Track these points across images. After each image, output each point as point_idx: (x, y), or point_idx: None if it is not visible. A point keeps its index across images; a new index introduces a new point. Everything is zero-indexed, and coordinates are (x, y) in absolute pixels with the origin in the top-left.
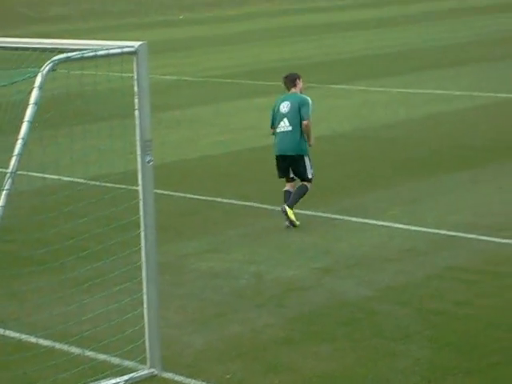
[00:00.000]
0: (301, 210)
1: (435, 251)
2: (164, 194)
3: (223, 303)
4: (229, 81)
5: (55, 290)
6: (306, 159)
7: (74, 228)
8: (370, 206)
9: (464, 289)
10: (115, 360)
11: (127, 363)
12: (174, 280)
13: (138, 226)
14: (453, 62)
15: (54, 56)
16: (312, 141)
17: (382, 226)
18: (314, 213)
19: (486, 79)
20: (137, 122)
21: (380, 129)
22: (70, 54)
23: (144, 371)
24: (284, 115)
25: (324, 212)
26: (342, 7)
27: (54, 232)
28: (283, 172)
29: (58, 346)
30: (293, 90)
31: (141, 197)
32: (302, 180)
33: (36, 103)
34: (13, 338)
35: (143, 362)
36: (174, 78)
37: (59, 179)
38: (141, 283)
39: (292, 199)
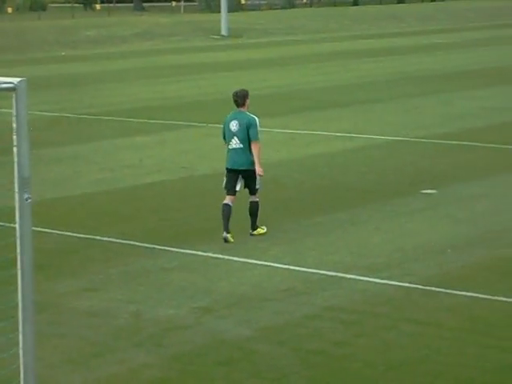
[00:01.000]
0: (181, 249)
1: (314, 291)
2: (43, 232)
3: (101, 343)
4: (109, 118)
5: None
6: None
7: None
8: (250, 246)
9: (342, 329)
10: None
11: None
12: (51, 319)
13: (15, 265)
14: (335, 104)
15: None
16: (258, 166)
17: (263, 265)
18: (194, 252)
19: (366, 121)
20: (15, 158)
21: None
22: None
23: None
24: (234, 133)
25: (205, 251)
26: (221, 47)
27: None
28: (231, 185)
29: None
30: (241, 108)
31: (18, 234)
32: (251, 190)
33: None
34: None
35: None
36: (56, 114)
37: None
38: (17, 323)
39: (253, 222)
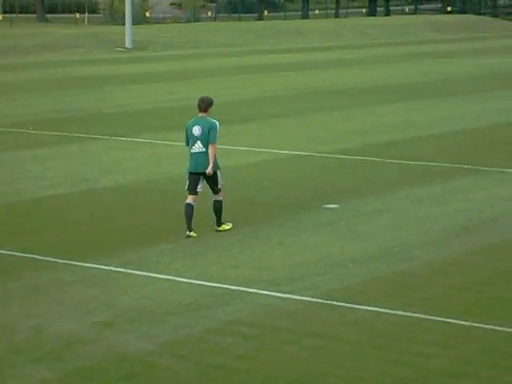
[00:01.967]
0: (82, 262)
1: (217, 305)
2: None
3: (0, 358)
4: (12, 130)
5: None
6: (218, 172)
7: None
8: (152, 260)
9: (244, 343)
10: None
11: None
12: None
13: None
14: (240, 118)
15: None
16: (210, 167)
17: (165, 279)
18: (96, 266)
19: (270, 136)
20: None
21: (164, 181)
22: None
23: None
24: (197, 138)
25: (107, 265)
26: (126, 60)
27: None
28: (193, 186)
29: None
30: (203, 114)
31: None
32: (214, 190)
33: None
34: None
35: None
36: None
37: None
38: None
39: (218, 219)
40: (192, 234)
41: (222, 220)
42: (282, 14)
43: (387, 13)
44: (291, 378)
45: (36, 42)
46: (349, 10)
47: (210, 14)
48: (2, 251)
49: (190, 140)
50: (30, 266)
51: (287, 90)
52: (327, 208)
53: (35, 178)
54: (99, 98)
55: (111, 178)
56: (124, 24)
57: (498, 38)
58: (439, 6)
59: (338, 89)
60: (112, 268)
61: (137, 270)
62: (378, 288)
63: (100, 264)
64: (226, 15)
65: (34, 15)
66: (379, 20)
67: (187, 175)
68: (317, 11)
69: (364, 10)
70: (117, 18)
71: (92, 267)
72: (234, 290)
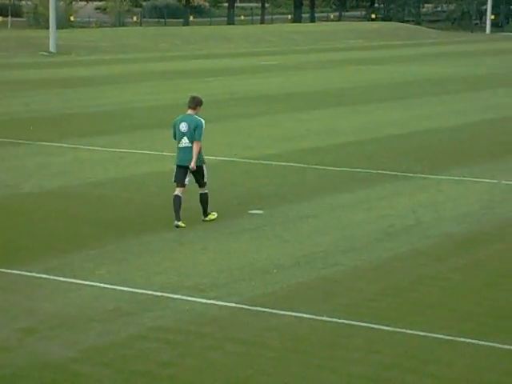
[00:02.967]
0: (4, 268)
1: (141, 311)
2: None
3: None
4: None
5: None
6: (204, 167)
7: None
8: (76, 266)
9: (168, 349)
10: None
11: None
12: None
13: None
14: (164, 123)
15: None
16: (193, 162)
17: (89, 285)
18: (18, 272)
19: None
20: None
21: (88, 187)
22: None
23: None
24: (184, 134)
25: (29, 271)
26: (50, 64)
27: None
28: (180, 179)
29: None
30: (191, 111)
31: None
32: (200, 184)
33: None
34: None
35: None
36: None
37: None
38: None
39: (204, 209)
40: (180, 223)
41: (209, 210)
42: (207, 19)
43: (312, 19)
44: None
45: None
46: (274, 17)
47: (135, 18)
48: None
49: (177, 135)
50: None
51: (213, 96)
52: (252, 214)
53: None
54: (23, 103)
55: (34, 183)
56: (48, 28)
57: (421, 45)
58: (364, 13)
59: (262, 94)
60: (35, 274)
61: (60, 276)
62: (302, 294)
63: (22, 270)
64: (151, 20)
65: None
66: (304, 26)
67: (175, 167)
68: (242, 17)
69: (289, 17)
70: (41, 22)
71: (14, 273)
72: (158, 296)
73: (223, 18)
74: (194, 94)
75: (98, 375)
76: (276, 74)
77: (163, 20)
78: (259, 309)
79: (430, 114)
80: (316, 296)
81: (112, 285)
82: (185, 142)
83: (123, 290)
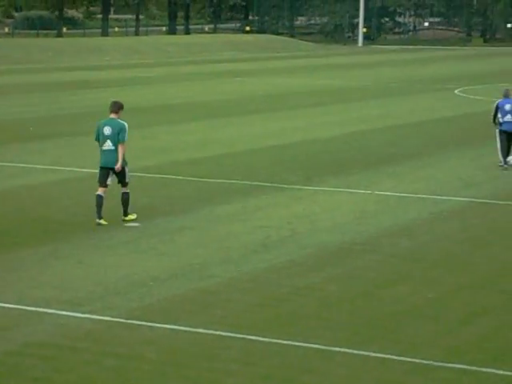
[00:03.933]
0: None
1: (14, 327)
2: None
3: None
4: None
5: None
6: (126, 168)
7: None
8: None
9: (42, 365)
10: None
11: None
12: None
13: None
14: (37, 136)
15: None
16: (119, 163)
17: None
18: None
19: (69, 154)
20: None
21: None
22: None
23: None
24: (107, 137)
25: None
26: None
27: None
28: (103, 179)
29: None
30: (114, 115)
31: None
32: (123, 183)
33: None
34: None
35: None
36: None
37: None
38: None
39: (125, 210)
40: (102, 221)
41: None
42: (81, 31)
43: (187, 31)
44: None
45: None
46: (149, 28)
47: (7, 29)
48: None
49: (100, 138)
50: None
51: (86, 108)
52: (128, 226)
53: None
54: None
55: None
56: None
57: (296, 57)
58: (238, 25)
59: (138, 106)
60: None
61: None
62: (178, 306)
63: None
64: (23, 32)
65: None
66: (179, 38)
67: (99, 169)
68: (116, 29)
69: (164, 29)
70: None
71: None
72: (31, 310)
73: (97, 30)
74: (115, 99)
75: None
76: (151, 86)
77: (36, 31)
78: (135, 322)
79: (304, 126)
80: (193, 308)
81: None
82: (108, 144)
83: None
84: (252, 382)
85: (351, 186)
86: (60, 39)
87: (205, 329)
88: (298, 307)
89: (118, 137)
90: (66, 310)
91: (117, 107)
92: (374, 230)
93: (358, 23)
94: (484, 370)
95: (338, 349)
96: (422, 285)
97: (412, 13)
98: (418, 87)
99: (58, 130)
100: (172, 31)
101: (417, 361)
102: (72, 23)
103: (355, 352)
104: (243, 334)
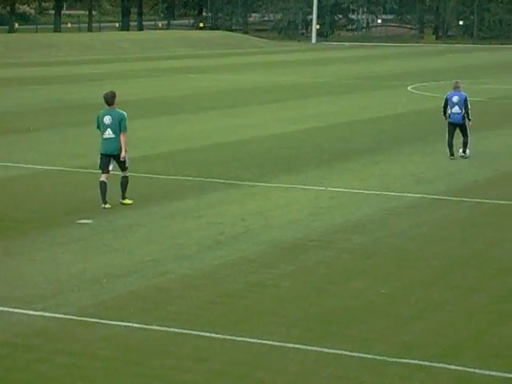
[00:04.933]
0: None
1: None
2: None
3: None
4: None
5: None
6: (127, 155)
7: None
8: None
9: None
10: None
11: None
12: None
13: None
14: None
15: None
16: (124, 152)
17: None
18: None
19: (22, 150)
20: None
21: None
22: None
23: None
24: (108, 126)
25: None
26: None
27: None
28: (104, 166)
29: None
30: (112, 106)
31: None
32: (123, 168)
33: None
34: None
35: None
36: None
37: None
38: None
39: (123, 192)
40: (107, 206)
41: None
42: (33, 26)
43: (140, 27)
44: None
45: None
46: (102, 24)
47: None
48: None
49: (101, 126)
50: None
51: (39, 104)
52: (81, 223)
53: None
54: None
55: None
56: None
57: (249, 53)
58: (192, 21)
59: (89, 103)
60: None
61: None
62: (132, 303)
63: None
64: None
65: None
66: (132, 34)
67: (99, 156)
68: (69, 25)
69: (117, 25)
70: None
71: None
72: None
73: (50, 26)
74: (106, 92)
75: None
76: (104, 83)
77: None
78: (88, 319)
79: (258, 122)
80: (146, 305)
81: None
82: (108, 133)
83: None
84: (206, 378)
85: (305, 183)
86: (12, 35)
87: (158, 325)
88: (252, 303)
89: (119, 126)
90: (18, 308)
91: (110, 98)
92: (327, 226)
93: (311, 20)
94: (436, 365)
95: (291, 345)
96: (375, 280)
97: (365, 10)
98: (371, 84)
99: (9, 126)
100: (125, 27)
101: (370, 356)
102: (24, 19)
103: (309, 348)
104: (197, 330)
